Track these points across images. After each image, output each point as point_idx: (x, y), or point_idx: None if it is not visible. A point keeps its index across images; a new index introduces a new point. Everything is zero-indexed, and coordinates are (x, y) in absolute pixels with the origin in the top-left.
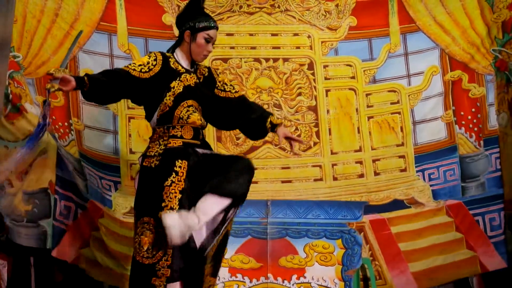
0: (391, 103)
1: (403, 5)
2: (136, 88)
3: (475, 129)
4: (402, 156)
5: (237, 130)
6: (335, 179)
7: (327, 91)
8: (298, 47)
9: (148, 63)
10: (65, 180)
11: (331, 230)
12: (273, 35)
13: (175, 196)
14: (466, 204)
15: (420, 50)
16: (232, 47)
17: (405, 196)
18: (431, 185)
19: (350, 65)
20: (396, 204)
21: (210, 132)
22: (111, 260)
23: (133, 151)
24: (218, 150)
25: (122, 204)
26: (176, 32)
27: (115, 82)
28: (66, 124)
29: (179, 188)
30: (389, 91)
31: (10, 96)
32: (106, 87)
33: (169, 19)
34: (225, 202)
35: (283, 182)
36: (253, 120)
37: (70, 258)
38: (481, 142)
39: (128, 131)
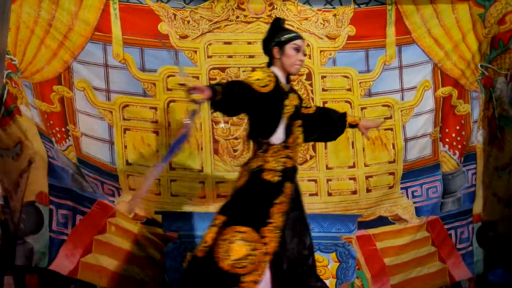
0: (385, 118)
1: (400, 15)
2: (256, 102)
3: (459, 146)
4: (392, 173)
5: (235, 142)
6: (329, 194)
7: (324, 102)
8: None
9: (264, 78)
10: (61, 188)
11: (325, 244)
12: None
13: (280, 216)
14: (442, 219)
15: (414, 63)
16: (230, 56)
17: (390, 213)
18: (414, 202)
19: (347, 77)
20: (381, 221)
21: (206, 144)
22: (119, 262)
23: (130, 163)
24: (215, 163)
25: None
26: (172, 41)
27: (243, 93)
28: (63, 129)
29: (284, 209)
30: (383, 105)
31: (5, 96)
32: (236, 97)
33: (165, 28)
34: None
35: None
36: (332, 127)
37: (67, 270)
38: (462, 159)
39: (124, 142)
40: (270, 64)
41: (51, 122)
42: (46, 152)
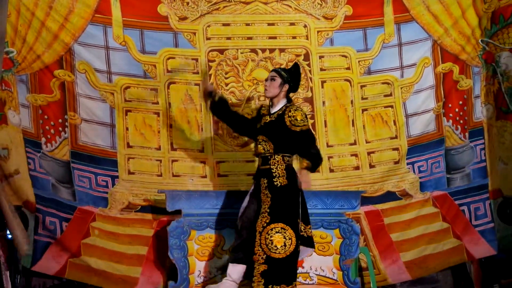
0: (385, 96)
1: None
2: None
3: (461, 121)
4: (396, 149)
5: None
6: (331, 171)
7: (322, 82)
8: (294, 37)
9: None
10: (45, 197)
11: (328, 220)
12: (269, 24)
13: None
14: (452, 194)
15: (413, 40)
16: (228, 38)
17: (397, 188)
18: (420, 177)
19: (345, 56)
20: (389, 196)
21: (207, 125)
22: (107, 262)
23: (131, 145)
24: (216, 143)
25: (119, 199)
26: (172, 23)
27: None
28: (60, 121)
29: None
30: (383, 83)
31: None
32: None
33: (165, 9)
34: None
35: None
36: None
37: (53, 270)
38: (466, 134)
39: (126, 124)
40: None
41: (46, 116)
42: (28, 165)
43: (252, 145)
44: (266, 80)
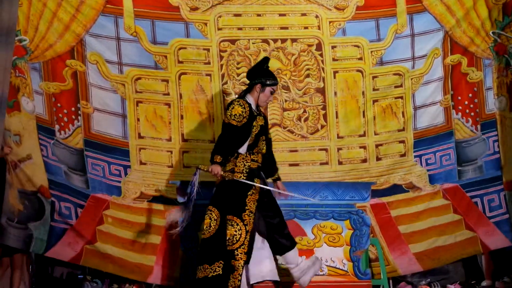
0: (396, 87)
1: None
2: (236, 131)
3: (472, 114)
4: (402, 141)
5: None
6: (340, 163)
7: (335, 72)
8: (306, 27)
9: (241, 114)
10: (58, 183)
11: (339, 211)
12: (281, 15)
13: (253, 203)
14: (463, 187)
15: (426, 31)
16: (239, 28)
17: (404, 181)
18: (428, 170)
19: (357, 46)
20: (395, 189)
21: (218, 116)
22: (121, 250)
23: (142, 136)
24: None
25: (132, 189)
26: (183, 14)
27: (231, 141)
28: (73, 109)
29: (256, 198)
30: (394, 74)
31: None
32: (232, 149)
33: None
34: None
35: (290, 165)
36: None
37: (68, 257)
38: (478, 126)
39: (137, 115)
40: (249, 90)
41: (59, 104)
42: (40, 151)
43: None
44: (273, 94)
